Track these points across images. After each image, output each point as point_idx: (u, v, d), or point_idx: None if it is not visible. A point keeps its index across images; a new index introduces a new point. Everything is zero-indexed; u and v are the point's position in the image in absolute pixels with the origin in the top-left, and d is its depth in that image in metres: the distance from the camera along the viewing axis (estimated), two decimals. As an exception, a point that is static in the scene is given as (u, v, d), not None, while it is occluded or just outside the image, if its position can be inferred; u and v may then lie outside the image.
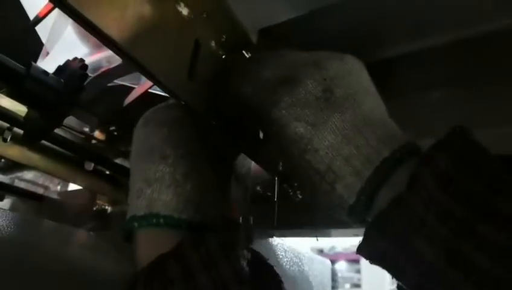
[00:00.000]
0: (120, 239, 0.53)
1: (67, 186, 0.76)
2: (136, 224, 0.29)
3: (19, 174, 0.83)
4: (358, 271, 2.67)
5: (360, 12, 0.33)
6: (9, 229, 0.52)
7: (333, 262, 2.86)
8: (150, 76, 0.28)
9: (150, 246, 0.29)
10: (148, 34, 0.27)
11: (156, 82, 0.28)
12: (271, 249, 0.52)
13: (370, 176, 0.24)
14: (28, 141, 0.44)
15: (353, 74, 0.28)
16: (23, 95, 0.37)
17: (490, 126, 0.41)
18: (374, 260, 0.24)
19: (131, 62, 0.26)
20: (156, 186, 0.30)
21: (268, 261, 0.34)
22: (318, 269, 0.62)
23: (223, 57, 0.35)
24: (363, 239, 0.24)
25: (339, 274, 2.77)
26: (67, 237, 0.57)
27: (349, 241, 2.61)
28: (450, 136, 0.22)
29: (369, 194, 0.24)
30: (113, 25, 0.24)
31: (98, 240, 0.56)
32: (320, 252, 2.94)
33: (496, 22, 0.33)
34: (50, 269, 0.46)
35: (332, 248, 2.81)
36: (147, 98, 0.42)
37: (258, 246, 0.45)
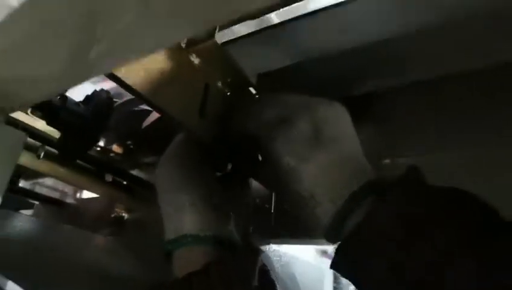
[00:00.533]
0: (136, 245, 0.59)
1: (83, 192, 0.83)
2: (169, 246, 0.36)
3: (40, 180, 0.90)
4: None
5: (345, 61, 0.39)
6: (34, 233, 0.58)
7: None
8: (167, 117, 0.34)
9: (183, 262, 0.35)
10: (167, 83, 0.33)
11: (173, 121, 0.35)
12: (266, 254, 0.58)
13: (342, 205, 0.30)
14: (64, 160, 0.50)
15: (339, 117, 0.35)
16: (58, 123, 0.43)
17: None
18: (342, 274, 0.30)
19: (152, 107, 0.33)
20: (182, 212, 0.36)
21: (265, 266, 0.41)
22: (313, 272, 0.68)
23: (228, 94, 0.41)
24: (332, 260, 0.30)
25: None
26: (87, 241, 0.64)
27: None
28: (400, 179, 0.29)
29: (340, 220, 0.30)
30: (139, 80, 0.30)
31: (116, 245, 0.63)
32: (324, 253, 2.97)
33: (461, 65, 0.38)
34: (71, 270, 0.51)
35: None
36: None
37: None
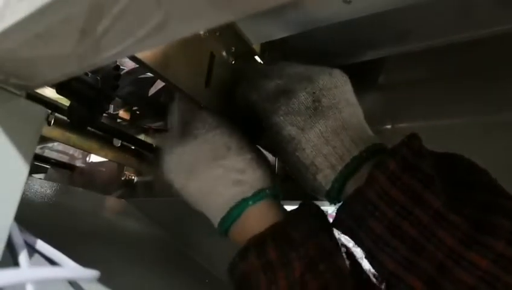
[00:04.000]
0: (152, 206, 0.62)
1: (93, 156, 0.85)
2: (250, 202, 0.35)
3: (49, 144, 0.93)
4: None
5: (347, 31, 0.40)
6: (49, 196, 0.61)
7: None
8: (175, 88, 0.35)
9: (257, 219, 0.35)
10: (173, 53, 0.34)
11: (180, 91, 0.36)
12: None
13: (341, 170, 0.32)
14: (75, 128, 0.52)
15: (338, 86, 0.36)
16: (68, 92, 0.45)
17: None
18: (343, 232, 0.33)
19: (159, 77, 0.34)
20: (249, 171, 0.36)
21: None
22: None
23: (233, 62, 0.42)
24: (334, 218, 0.33)
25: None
26: (100, 203, 0.67)
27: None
28: (399, 145, 0.30)
29: (340, 184, 0.32)
30: (150, 55, 0.32)
31: (127, 206, 0.66)
32: (326, 213, 3.08)
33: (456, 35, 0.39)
34: (86, 230, 0.54)
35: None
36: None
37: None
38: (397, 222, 0.28)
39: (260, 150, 0.41)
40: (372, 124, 0.37)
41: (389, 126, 0.55)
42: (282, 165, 0.52)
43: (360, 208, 0.30)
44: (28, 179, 0.22)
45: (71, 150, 0.90)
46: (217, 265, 0.58)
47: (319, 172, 0.34)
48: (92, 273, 0.25)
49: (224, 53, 0.41)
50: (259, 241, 0.33)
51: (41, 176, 0.90)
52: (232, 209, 0.35)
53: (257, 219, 0.35)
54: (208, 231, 0.40)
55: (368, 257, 0.31)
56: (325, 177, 0.33)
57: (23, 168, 0.23)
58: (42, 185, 0.62)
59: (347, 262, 0.32)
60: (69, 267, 0.25)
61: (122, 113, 0.74)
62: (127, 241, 0.54)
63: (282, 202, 0.52)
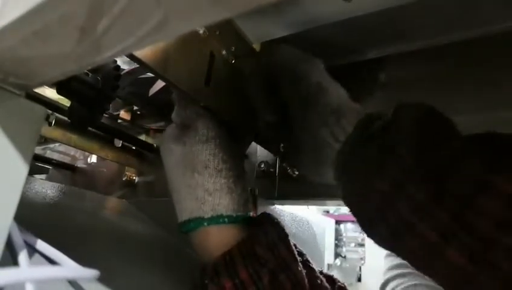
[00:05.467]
0: (147, 206, 0.62)
1: (99, 159, 0.85)
2: (206, 223, 0.38)
3: (51, 145, 0.93)
4: (362, 231, 2.80)
5: (347, 30, 0.40)
6: (50, 196, 0.61)
7: (339, 222, 2.98)
8: (175, 87, 0.35)
9: (216, 238, 0.38)
10: (174, 55, 0.34)
11: (179, 91, 0.36)
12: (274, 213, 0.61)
13: (366, 113, 0.34)
14: (75, 129, 0.52)
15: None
16: (68, 92, 0.45)
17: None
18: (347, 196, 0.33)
19: (159, 77, 0.34)
20: (216, 195, 0.38)
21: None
22: (314, 229, 0.71)
23: (233, 62, 0.42)
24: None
25: (344, 234, 2.90)
26: (100, 203, 0.67)
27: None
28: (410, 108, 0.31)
29: (367, 124, 0.33)
30: (146, 51, 0.32)
31: (128, 206, 0.66)
32: (327, 213, 3.07)
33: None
34: (86, 230, 0.54)
35: (338, 209, 2.94)
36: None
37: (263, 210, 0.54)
38: (402, 180, 0.28)
39: (243, 174, 0.42)
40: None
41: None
42: (282, 165, 0.52)
43: (365, 164, 0.30)
44: (28, 180, 0.22)
45: (72, 151, 0.90)
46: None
47: (343, 117, 0.34)
48: (92, 272, 0.24)
49: (224, 52, 0.41)
50: (228, 262, 0.35)
51: (42, 176, 0.90)
52: (189, 220, 0.39)
53: (218, 238, 0.38)
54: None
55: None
56: (350, 121, 0.33)
57: (23, 167, 0.23)
58: (43, 186, 0.62)
59: (304, 271, 0.37)
60: (68, 267, 0.25)
61: (123, 113, 0.74)
62: (127, 242, 0.54)
63: (281, 202, 0.52)
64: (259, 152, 0.54)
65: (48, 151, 0.94)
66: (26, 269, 0.23)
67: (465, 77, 0.47)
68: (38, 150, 0.90)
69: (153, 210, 0.65)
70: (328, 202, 0.49)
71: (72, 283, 0.27)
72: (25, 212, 0.24)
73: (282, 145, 0.51)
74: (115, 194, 0.71)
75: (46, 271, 0.22)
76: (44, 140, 0.84)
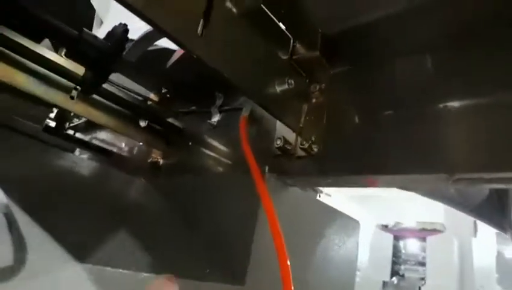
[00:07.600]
0: (169, 188, 0.61)
1: (131, 144, 0.87)
2: None
3: (94, 134, 0.96)
4: (423, 249, 2.57)
5: None
6: (81, 172, 0.63)
7: (397, 238, 2.75)
8: (163, 33, 0.32)
9: None
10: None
11: (170, 38, 0.32)
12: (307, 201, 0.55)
13: None
14: (84, 93, 0.52)
15: None
16: (77, 54, 0.44)
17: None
18: None
19: (145, 20, 0.31)
20: None
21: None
22: (344, 227, 0.63)
23: (237, 14, 0.38)
24: None
25: (403, 251, 2.68)
26: (127, 183, 0.67)
27: (414, 218, 2.50)
28: None
29: None
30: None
31: (150, 187, 0.65)
32: (385, 227, 2.86)
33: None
34: (111, 205, 0.55)
35: (397, 223, 2.72)
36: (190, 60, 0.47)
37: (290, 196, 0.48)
38: None
39: None
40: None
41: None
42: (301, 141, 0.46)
43: None
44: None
45: (112, 139, 0.92)
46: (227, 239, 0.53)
47: None
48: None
49: (228, 3, 0.37)
50: None
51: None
52: None
53: None
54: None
55: None
56: None
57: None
58: (76, 162, 0.64)
59: None
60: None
61: (152, 96, 0.74)
62: (142, 217, 0.54)
63: (297, 179, 0.46)
64: (278, 127, 0.49)
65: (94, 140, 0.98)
66: None
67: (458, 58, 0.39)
68: (86, 137, 0.95)
69: (174, 192, 0.63)
70: (348, 178, 0.42)
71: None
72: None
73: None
74: (139, 175, 0.70)
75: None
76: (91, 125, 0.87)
